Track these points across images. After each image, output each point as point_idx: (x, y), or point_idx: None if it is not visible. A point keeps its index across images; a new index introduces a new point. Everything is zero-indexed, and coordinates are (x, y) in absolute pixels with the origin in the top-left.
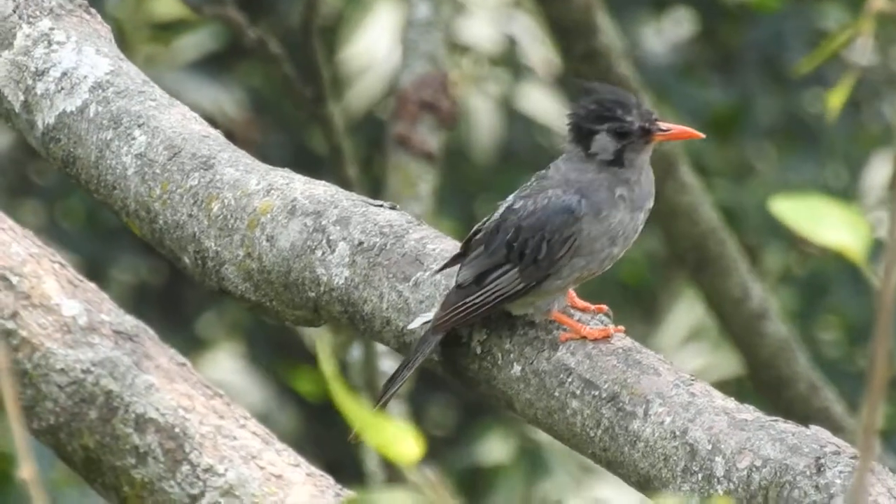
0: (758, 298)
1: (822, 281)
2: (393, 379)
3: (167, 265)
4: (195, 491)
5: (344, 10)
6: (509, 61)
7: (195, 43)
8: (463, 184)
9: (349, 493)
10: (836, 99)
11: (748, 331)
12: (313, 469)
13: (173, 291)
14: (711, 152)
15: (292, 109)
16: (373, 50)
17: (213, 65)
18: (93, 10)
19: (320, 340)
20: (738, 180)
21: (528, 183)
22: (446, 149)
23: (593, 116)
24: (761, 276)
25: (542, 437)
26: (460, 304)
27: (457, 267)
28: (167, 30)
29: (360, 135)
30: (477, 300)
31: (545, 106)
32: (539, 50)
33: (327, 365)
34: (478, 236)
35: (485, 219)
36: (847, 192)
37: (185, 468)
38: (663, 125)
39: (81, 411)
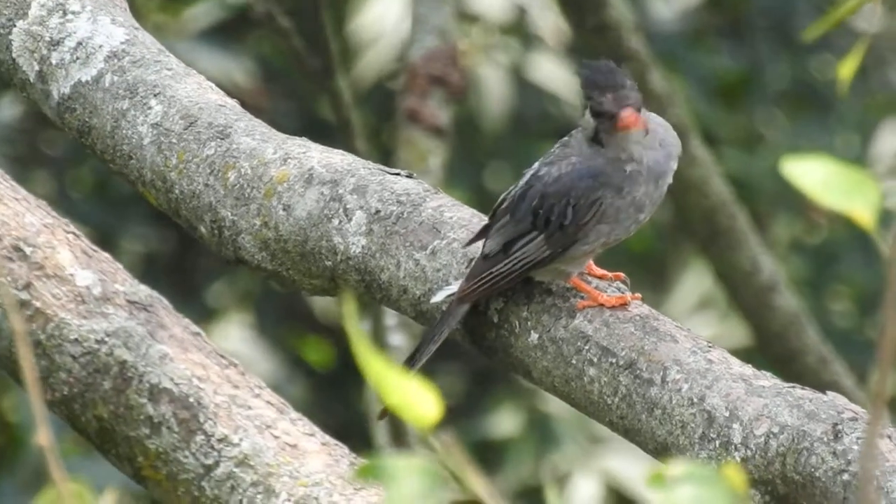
0: (768, 271)
1: (832, 249)
2: (417, 353)
3: (177, 235)
4: (210, 461)
5: None
6: (519, 30)
7: (204, 12)
8: (473, 153)
9: (363, 461)
10: (846, 69)
11: (758, 303)
12: (328, 438)
13: (183, 261)
14: (721, 120)
15: (302, 79)
16: (382, 20)
17: (223, 34)
18: None
19: (346, 302)
20: (747, 148)
21: (552, 150)
22: (456, 119)
23: (584, 90)
24: (771, 245)
25: (552, 408)
26: (486, 273)
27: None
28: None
29: (369, 106)
30: (504, 269)
31: (555, 75)
32: (549, 19)
33: (352, 325)
34: (503, 205)
35: (510, 188)
36: (858, 160)
37: (200, 438)
38: (624, 115)
39: (95, 382)
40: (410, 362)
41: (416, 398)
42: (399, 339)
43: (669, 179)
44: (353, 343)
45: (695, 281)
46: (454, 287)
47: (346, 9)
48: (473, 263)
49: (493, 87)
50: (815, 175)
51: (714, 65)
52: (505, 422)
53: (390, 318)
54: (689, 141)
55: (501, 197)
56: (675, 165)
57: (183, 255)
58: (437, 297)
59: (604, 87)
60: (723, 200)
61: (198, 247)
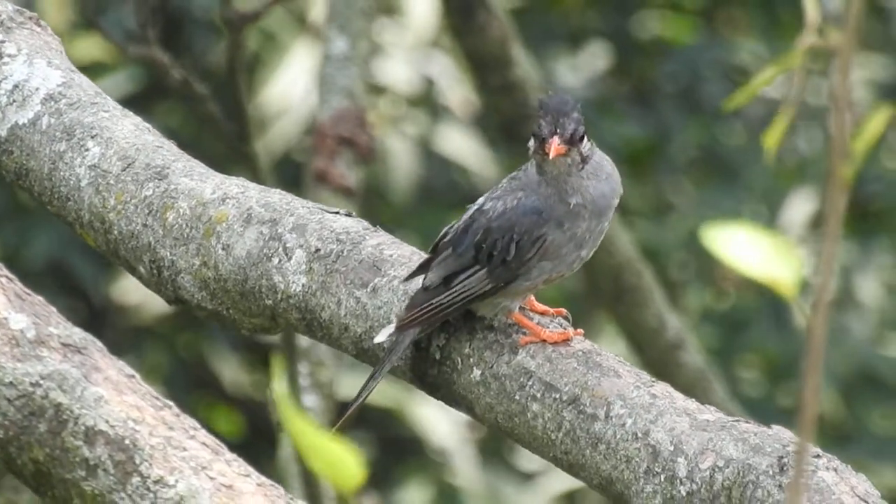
0: (674, 329)
1: (742, 317)
2: (361, 390)
3: (86, 306)
4: (146, 503)
5: (260, 52)
6: (427, 102)
7: (114, 85)
8: (381, 222)
9: (300, 503)
10: (772, 138)
11: (665, 361)
12: (263, 479)
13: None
14: (630, 189)
15: (212, 149)
16: (290, 91)
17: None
18: (43, 23)
19: (274, 361)
20: (656, 217)
21: (500, 185)
22: (364, 188)
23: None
24: (682, 313)
25: (461, 481)
26: (426, 304)
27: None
28: (86, 72)
29: (278, 176)
30: (445, 300)
31: (463, 145)
32: (457, 90)
33: (279, 385)
34: (445, 239)
35: (452, 223)
36: (767, 229)
37: (136, 480)
38: (555, 145)
39: (31, 424)
40: (356, 398)
41: (340, 461)
42: (313, 400)
43: (611, 216)
44: (279, 405)
45: (608, 345)
46: (394, 328)
47: (253, 81)
48: (413, 294)
49: (401, 158)
50: (734, 242)
51: (622, 132)
52: (413, 495)
53: (303, 378)
54: None
55: (443, 231)
56: (616, 202)
57: (91, 327)
58: (380, 337)
59: (548, 111)
60: (628, 258)
61: (105, 318)
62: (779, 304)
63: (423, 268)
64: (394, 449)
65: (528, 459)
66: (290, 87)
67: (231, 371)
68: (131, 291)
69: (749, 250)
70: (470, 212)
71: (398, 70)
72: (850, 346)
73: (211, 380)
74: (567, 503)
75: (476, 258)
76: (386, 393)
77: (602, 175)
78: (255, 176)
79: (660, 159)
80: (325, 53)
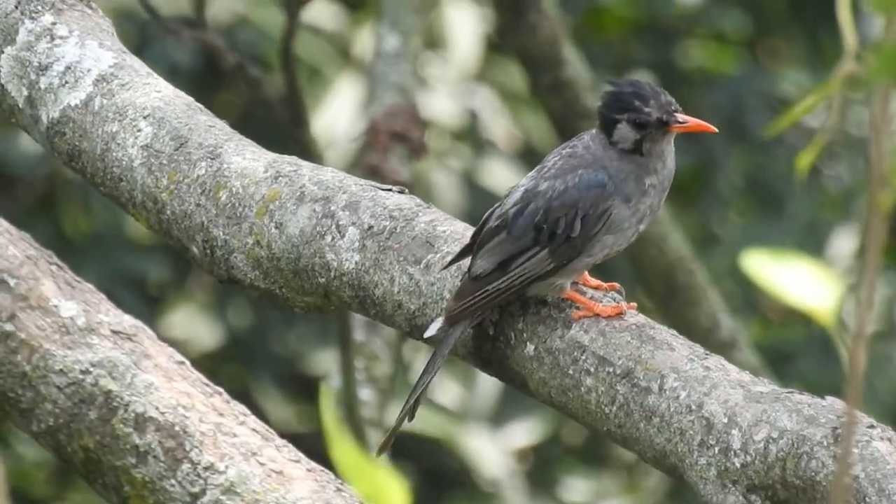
0: (727, 328)
1: (788, 348)
2: (417, 385)
3: None
4: (196, 489)
5: (305, 85)
6: (471, 135)
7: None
8: None
9: (350, 487)
10: (804, 161)
11: None
12: (313, 464)
13: None
14: (674, 219)
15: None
16: (334, 125)
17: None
18: (94, 5)
19: (324, 389)
20: (701, 248)
21: (548, 163)
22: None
23: (615, 105)
24: None
25: None
26: (480, 292)
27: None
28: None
29: None
30: (501, 286)
31: (506, 178)
32: (500, 124)
33: (329, 416)
34: (491, 225)
35: (492, 209)
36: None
37: (186, 466)
38: (681, 117)
39: (81, 412)
40: (412, 394)
41: (386, 487)
42: (367, 395)
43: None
44: (330, 434)
45: None
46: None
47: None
48: (460, 285)
49: (446, 192)
50: (775, 271)
51: None
52: None
53: (359, 373)
54: None
55: (484, 217)
56: (671, 180)
57: None
58: (430, 331)
59: (645, 97)
60: (680, 256)
61: None
62: (824, 334)
63: (463, 254)
64: (441, 480)
65: (576, 492)
66: (335, 121)
67: (275, 404)
68: (178, 326)
69: (789, 278)
70: (517, 194)
71: (442, 104)
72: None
73: (256, 413)
74: None
75: (536, 239)
76: (433, 422)
77: (671, 157)
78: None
79: (704, 190)
80: (376, 50)
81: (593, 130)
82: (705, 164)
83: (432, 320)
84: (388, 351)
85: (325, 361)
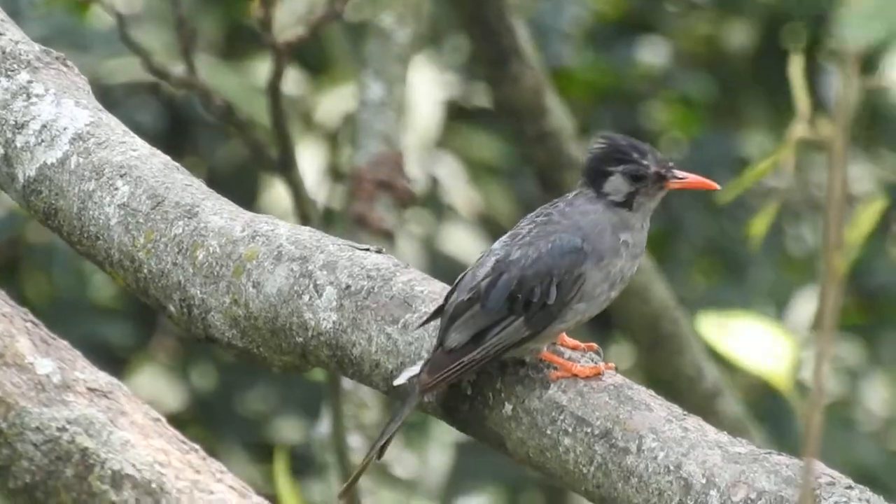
0: (711, 377)
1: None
2: (381, 434)
3: None
4: None
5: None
6: (432, 201)
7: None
8: None
9: None
10: (758, 226)
11: (703, 409)
12: None
13: None
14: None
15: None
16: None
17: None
18: (69, 63)
19: (279, 452)
20: None
21: (522, 230)
22: None
23: (610, 157)
24: None
25: None
26: (455, 364)
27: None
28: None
29: None
30: (476, 356)
31: (468, 245)
32: (462, 190)
33: (284, 481)
34: (460, 298)
35: (462, 275)
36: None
37: None
38: (679, 173)
39: (57, 469)
40: (374, 444)
41: None
42: (358, 441)
43: (639, 262)
44: (286, 502)
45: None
46: (416, 368)
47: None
48: (432, 357)
49: (408, 256)
50: (731, 333)
51: None
52: None
53: (347, 420)
54: None
55: (455, 283)
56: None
57: None
58: (400, 380)
59: (643, 150)
60: (665, 306)
61: None
62: (782, 397)
63: (436, 314)
64: None
65: None
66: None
67: (242, 466)
68: (142, 388)
69: (745, 341)
70: (489, 264)
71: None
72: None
73: None
74: None
75: (511, 308)
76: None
77: (647, 226)
78: (298, 202)
79: (668, 252)
80: (360, 99)
81: (572, 193)
82: (669, 226)
83: (402, 369)
84: (377, 398)
85: (289, 424)
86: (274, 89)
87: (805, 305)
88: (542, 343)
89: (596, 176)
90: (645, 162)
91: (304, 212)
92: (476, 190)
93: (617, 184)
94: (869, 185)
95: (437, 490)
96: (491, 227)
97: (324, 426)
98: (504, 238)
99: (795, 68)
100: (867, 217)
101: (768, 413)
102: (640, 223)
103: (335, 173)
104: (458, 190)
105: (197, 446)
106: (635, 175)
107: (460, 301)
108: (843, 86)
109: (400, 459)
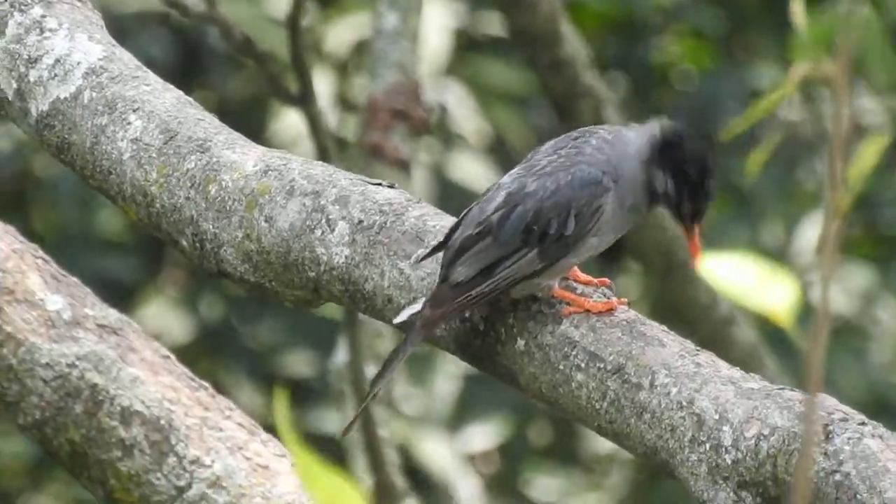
0: (725, 305)
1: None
2: (382, 371)
3: None
4: (182, 483)
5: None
6: (441, 130)
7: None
8: None
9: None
10: (755, 161)
11: (717, 337)
12: None
13: None
14: None
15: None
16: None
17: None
18: None
19: (278, 398)
20: None
21: (540, 161)
22: None
23: (694, 163)
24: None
25: None
26: (462, 297)
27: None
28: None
29: None
30: (485, 289)
31: (477, 173)
32: (471, 118)
33: (283, 421)
34: (469, 232)
35: (468, 209)
36: (781, 253)
37: (172, 460)
38: (697, 229)
39: (67, 405)
40: (375, 381)
41: (342, 494)
42: (372, 372)
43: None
44: (285, 439)
45: None
46: (417, 306)
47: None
48: (435, 292)
49: (416, 186)
50: (731, 272)
51: None
52: None
53: (365, 349)
54: None
55: (459, 218)
56: None
57: None
58: (401, 317)
59: (708, 171)
60: (679, 234)
61: None
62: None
63: (437, 249)
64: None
65: (543, 490)
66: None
67: (249, 398)
68: (150, 320)
69: (745, 279)
70: (500, 197)
71: None
72: (866, 373)
73: None
74: None
75: (525, 241)
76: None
77: None
78: (317, 135)
79: None
80: (375, 28)
81: (610, 132)
82: None
83: (405, 305)
84: (392, 328)
85: (298, 357)
86: (294, 22)
87: (813, 231)
88: (553, 279)
89: (666, 158)
90: (699, 199)
91: (323, 145)
92: (487, 119)
93: (666, 183)
94: (882, 118)
95: (445, 421)
96: (500, 155)
97: (340, 356)
98: (515, 171)
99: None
100: (871, 153)
101: (780, 345)
102: (643, 210)
103: (345, 103)
104: (468, 118)
105: (206, 384)
106: (679, 202)
107: (467, 235)
108: (846, 18)
109: (407, 395)
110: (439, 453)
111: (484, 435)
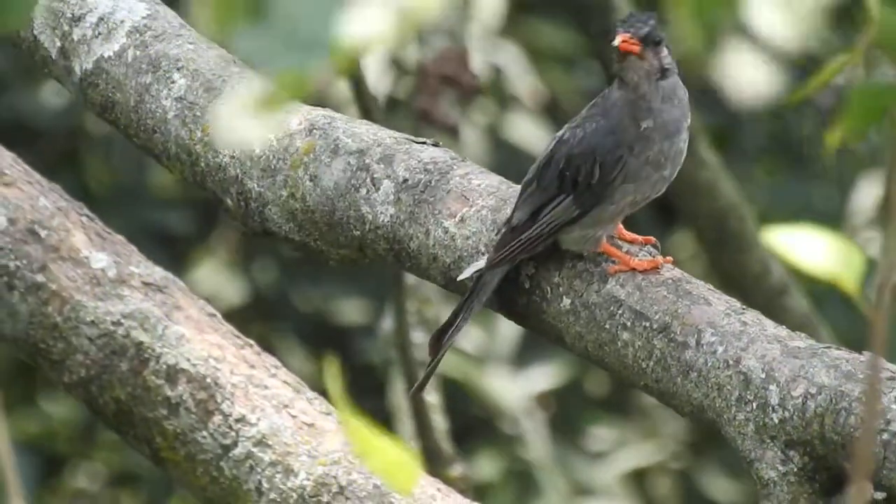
0: (778, 274)
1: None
2: (449, 327)
3: None
4: (228, 441)
5: None
6: (496, 91)
7: None
8: None
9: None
10: (833, 138)
11: (770, 306)
12: None
13: None
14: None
15: None
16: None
17: None
18: None
19: (330, 366)
20: None
21: (580, 114)
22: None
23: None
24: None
25: (533, 457)
26: (515, 241)
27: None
28: None
29: None
30: (532, 234)
31: (532, 134)
32: (525, 79)
33: (336, 389)
34: (528, 177)
35: (538, 159)
36: (836, 214)
37: (218, 418)
38: (624, 37)
39: (112, 363)
40: (442, 336)
41: (397, 462)
42: (421, 337)
43: (685, 136)
44: (338, 407)
45: None
46: (481, 263)
47: None
48: (501, 235)
49: (471, 147)
50: (796, 243)
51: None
52: (485, 467)
53: (411, 315)
54: (697, 144)
55: (530, 169)
56: (688, 122)
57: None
58: (465, 273)
59: (624, 23)
60: (732, 203)
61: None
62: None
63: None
64: (463, 424)
65: (597, 439)
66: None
67: (300, 361)
68: (202, 281)
69: (812, 249)
70: (551, 144)
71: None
72: None
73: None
74: (637, 481)
75: (560, 187)
76: (454, 365)
77: (675, 100)
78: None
79: (730, 147)
80: None
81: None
82: (730, 123)
83: (471, 256)
84: (440, 294)
85: (351, 316)
86: None
87: (867, 191)
88: (596, 229)
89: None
90: (618, 30)
91: (366, 105)
92: (541, 80)
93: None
94: None
95: (508, 360)
96: (556, 116)
97: (387, 322)
98: (569, 122)
99: None
100: None
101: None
102: (657, 101)
103: (398, 66)
104: (522, 80)
105: (251, 341)
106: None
107: (526, 180)
108: None
109: (468, 336)
110: (505, 391)
111: (544, 377)
